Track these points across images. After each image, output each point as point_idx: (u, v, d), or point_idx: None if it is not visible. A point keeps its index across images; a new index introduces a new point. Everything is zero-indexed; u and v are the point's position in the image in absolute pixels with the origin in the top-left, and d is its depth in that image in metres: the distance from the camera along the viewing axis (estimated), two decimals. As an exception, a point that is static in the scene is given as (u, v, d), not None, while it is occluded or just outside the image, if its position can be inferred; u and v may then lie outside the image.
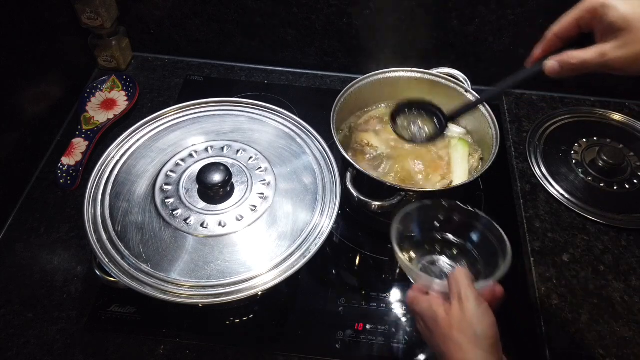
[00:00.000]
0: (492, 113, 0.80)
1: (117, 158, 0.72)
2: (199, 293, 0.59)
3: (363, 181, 0.71)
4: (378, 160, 0.81)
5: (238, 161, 0.72)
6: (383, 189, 0.71)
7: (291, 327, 0.72)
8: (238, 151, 0.73)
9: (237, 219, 0.66)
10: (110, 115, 0.97)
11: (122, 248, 0.63)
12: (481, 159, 0.82)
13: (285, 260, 0.62)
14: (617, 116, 1.01)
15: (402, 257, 0.61)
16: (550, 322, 0.74)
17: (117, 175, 0.70)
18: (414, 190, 0.72)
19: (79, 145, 0.91)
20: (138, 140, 0.74)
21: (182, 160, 0.72)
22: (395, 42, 1.00)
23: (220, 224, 0.65)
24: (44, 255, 0.79)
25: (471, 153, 0.83)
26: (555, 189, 0.89)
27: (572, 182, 0.90)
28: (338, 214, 0.66)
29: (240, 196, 0.68)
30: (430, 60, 0.99)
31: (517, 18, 0.93)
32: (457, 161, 0.81)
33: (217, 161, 0.69)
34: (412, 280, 0.63)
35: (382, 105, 0.91)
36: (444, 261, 0.70)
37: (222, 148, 0.73)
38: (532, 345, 0.72)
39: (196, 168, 0.68)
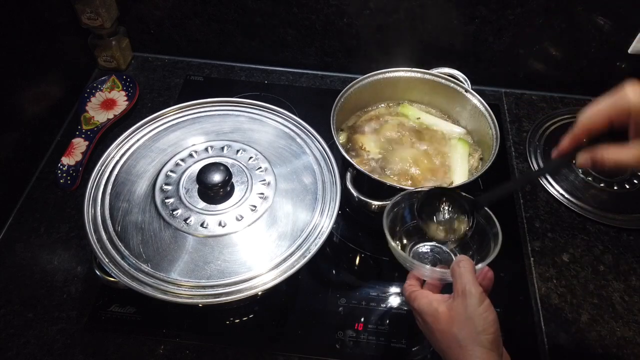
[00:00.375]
0: (492, 113, 0.80)
1: (117, 158, 0.72)
2: (199, 293, 0.59)
3: (363, 181, 0.72)
4: (372, 165, 0.80)
5: (238, 161, 0.72)
6: (383, 189, 0.71)
7: (291, 327, 0.72)
8: (238, 151, 0.73)
9: (237, 219, 0.66)
10: (110, 115, 0.97)
11: (122, 248, 0.63)
12: (481, 159, 0.82)
13: (285, 260, 0.62)
14: (617, 116, 1.01)
15: (395, 245, 0.61)
16: (550, 322, 0.74)
17: (117, 175, 0.70)
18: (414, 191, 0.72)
19: (79, 145, 0.91)
20: (138, 140, 0.74)
21: (182, 160, 0.72)
22: (395, 42, 1.01)
23: (220, 224, 0.65)
24: (44, 255, 0.79)
25: (471, 153, 0.83)
26: (555, 189, 0.89)
27: (572, 182, 0.90)
28: (338, 214, 0.66)
29: (240, 196, 0.68)
30: (430, 60, 1.00)
31: (517, 18, 0.93)
32: (457, 161, 0.81)
33: (217, 161, 0.69)
34: (406, 269, 0.63)
35: (382, 105, 0.91)
36: (437, 247, 0.69)
37: (222, 148, 0.73)
38: (532, 345, 0.72)
39: (196, 168, 0.68)
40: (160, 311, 0.72)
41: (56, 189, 0.86)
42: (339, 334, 0.71)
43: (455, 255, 0.67)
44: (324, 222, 0.66)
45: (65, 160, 0.89)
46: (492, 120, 0.80)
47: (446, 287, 0.60)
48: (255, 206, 0.67)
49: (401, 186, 0.70)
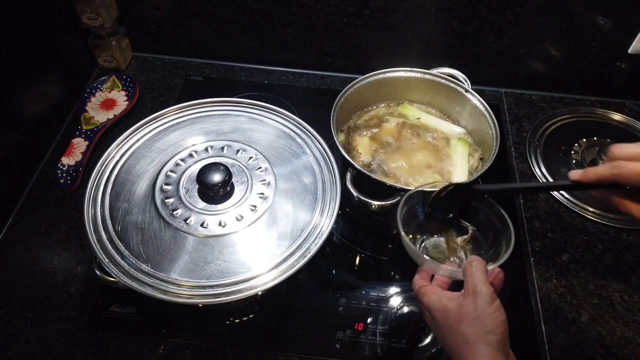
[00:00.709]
0: (492, 113, 0.80)
1: (117, 158, 0.72)
2: (199, 293, 0.59)
3: (363, 181, 0.72)
4: (369, 165, 0.80)
5: (238, 161, 0.72)
6: (383, 189, 0.71)
7: (291, 327, 0.72)
8: (238, 151, 0.73)
9: (237, 219, 0.66)
10: (110, 115, 0.97)
11: (122, 248, 0.63)
12: (481, 159, 0.82)
13: (285, 260, 0.62)
14: (617, 116, 1.01)
15: (408, 240, 0.61)
16: (550, 322, 0.74)
17: (117, 175, 0.70)
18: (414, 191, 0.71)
19: (79, 145, 0.91)
20: (138, 140, 0.74)
21: (182, 160, 0.72)
22: (395, 42, 1.01)
23: (220, 224, 0.65)
24: (44, 255, 0.79)
25: (471, 153, 0.83)
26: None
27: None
28: (338, 214, 0.66)
29: (240, 196, 0.68)
30: (430, 60, 1.00)
31: (517, 18, 0.93)
32: (457, 161, 0.81)
33: (217, 161, 0.69)
34: (417, 263, 0.63)
35: (382, 105, 0.91)
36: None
37: (222, 148, 0.73)
38: (532, 345, 0.72)
39: (196, 168, 0.68)
40: (160, 311, 0.72)
41: (56, 189, 0.86)
42: (339, 334, 0.71)
43: (467, 253, 0.67)
44: (324, 222, 0.66)
45: (65, 160, 0.89)
46: (492, 120, 0.80)
47: (455, 284, 0.60)
48: (255, 206, 0.67)
49: (401, 186, 0.70)
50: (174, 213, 0.66)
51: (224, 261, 0.62)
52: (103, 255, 0.62)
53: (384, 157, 0.81)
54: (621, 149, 0.53)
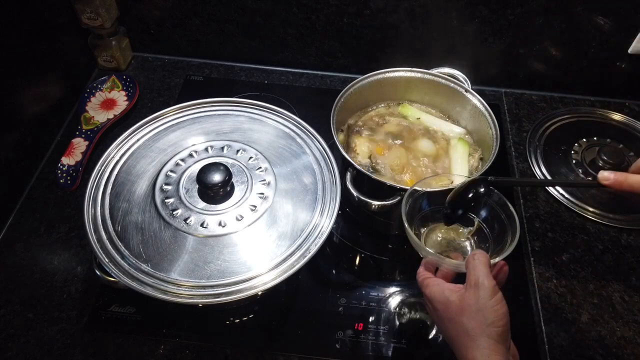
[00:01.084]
0: (492, 113, 0.80)
1: (117, 158, 0.72)
2: (199, 293, 0.59)
3: (363, 181, 0.72)
4: (367, 168, 0.80)
5: (238, 161, 0.72)
6: (383, 189, 0.71)
7: (291, 327, 0.72)
8: (238, 151, 0.73)
9: (237, 219, 0.66)
10: (110, 115, 0.97)
11: (122, 248, 0.63)
12: (481, 159, 0.82)
13: (285, 260, 0.62)
14: (617, 116, 1.01)
15: (412, 233, 0.61)
16: (550, 322, 0.74)
17: (117, 175, 0.70)
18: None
19: (79, 145, 0.91)
20: (138, 140, 0.74)
21: (182, 160, 0.72)
22: (395, 42, 1.01)
23: (220, 224, 0.65)
24: (44, 255, 0.79)
25: (471, 153, 0.83)
26: (555, 189, 0.89)
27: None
28: (338, 214, 0.66)
29: (240, 196, 0.68)
30: (430, 60, 0.99)
31: (517, 18, 0.93)
32: (457, 161, 0.81)
33: (217, 161, 0.69)
34: (421, 256, 0.63)
35: (382, 105, 0.91)
36: (452, 235, 0.69)
37: (222, 148, 0.73)
38: (532, 345, 0.72)
39: (196, 168, 0.68)
40: (160, 311, 0.72)
41: (56, 189, 0.86)
42: (339, 334, 0.71)
43: (473, 246, 0.67)
44: (324, 222, 0.66)
45: (65, 160, 0.89)
46: (492, 120, 0.80)
47: (459, 276, 0.60)
48: (255, 206, 0.67)
49: (401, 186, 0.70)
50: (174, 213, 0.66)
51: (224, 261, 0.62)
52: (103, 255, 0.62)
53: (384, 157, 0.81)
54: None
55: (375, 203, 0.70)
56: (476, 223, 0.67)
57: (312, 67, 1.09)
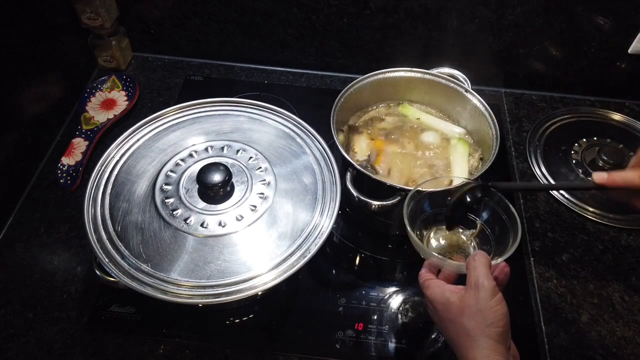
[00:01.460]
0: (492, 113, 0.80)
1: (117, 158, 0.72)
2: (199, 293, 0.59)
3: (363, 181, 0.71)
4: (367, 168, 0.80)
5: (238, 161, 0.72)
6: (383, 189, 0.71)
7: (291, 327, 0.72)
8: (238, 151, 0.73)
9: (237, 219, 0.66)
10: (110, 115, 0.97)
11: (122, 248, 0.63)
12: (481, 159, 0.82)
13: (285, 260, 0.62)
14: (617, 116, 1.01)
15: (414, 235, 0.61)
16: (550, 322, 0.74)
17: (117, 175, 0.70)
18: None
19: (79, 145, 0.91)
20: (138, 140, 0.74)
21: (182, 160, 0.72)
22: (395, 42, 1.01)
23: (220, 224, 0.65)
24: (44, 255, 0.79)
25: (471, 153, 0.83)
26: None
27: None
28: (338, 214, 0.66)
29: (240, 196, 0.68)
30: (430, 60, 1.00)
31: (517, 18, 0.93)
32: (457, 161, 0.81)
33: (217, 161, 0.69)
34: (423, 257, 0.63)
35: (382, 105, 0.91)
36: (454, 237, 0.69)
37: (222, 148, 0.73)
38: (532, 345, 0.72)
39: (196, 168, 0.68)
40: (160, 311, 0.72)
41: (56, 189, 0.86)
42: (339, 334, 0.71)
43: (475, 248, 0.67)
44: (324, 222, 0.66)
45: (65, 160, 0.89)
46: (492, 120, 0.80)
47: (461, 278, 0.60)
48: (255, 206, 0.67)
49: (401, 186, 0.70)
50: (174, 213, 0.66)
51: (224, 261, 0.62)
52: (103, 255, 0.62)
53: (384, 157, 0.81)
54: None
55: (375, 203, 0.70)
56: (478, 225, 0.67)
57: (312, 67, 1.09)
